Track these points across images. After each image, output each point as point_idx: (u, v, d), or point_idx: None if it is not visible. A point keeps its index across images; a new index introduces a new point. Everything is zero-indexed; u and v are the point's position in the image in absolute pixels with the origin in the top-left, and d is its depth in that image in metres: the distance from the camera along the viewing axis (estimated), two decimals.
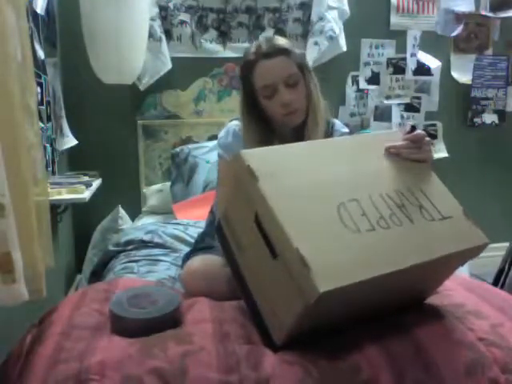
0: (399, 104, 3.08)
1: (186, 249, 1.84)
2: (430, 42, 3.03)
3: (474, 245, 1.03)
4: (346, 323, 1.04)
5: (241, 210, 1.05)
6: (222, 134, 1.54)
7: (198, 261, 1.41)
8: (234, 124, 1.53)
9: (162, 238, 2.09)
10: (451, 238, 1.01)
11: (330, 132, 1.55)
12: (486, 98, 3.19)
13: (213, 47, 2.82)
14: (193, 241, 1.86)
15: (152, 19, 2.64)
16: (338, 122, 1.60)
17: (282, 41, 1.41)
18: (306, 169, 1.03)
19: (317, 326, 1.01)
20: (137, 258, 1.91)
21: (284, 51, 1.37)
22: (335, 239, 0.92)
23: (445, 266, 1.09)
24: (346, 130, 1.60)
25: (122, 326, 1.04)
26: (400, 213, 1.01)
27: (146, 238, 2.09)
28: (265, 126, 1.45)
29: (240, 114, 1.48)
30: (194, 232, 2.02)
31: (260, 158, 1.01)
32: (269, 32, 2.84)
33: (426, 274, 1.06)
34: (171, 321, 1.07)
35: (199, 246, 1.59)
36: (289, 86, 1.37)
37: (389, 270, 0.91)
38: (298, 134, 1.44)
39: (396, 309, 1.11)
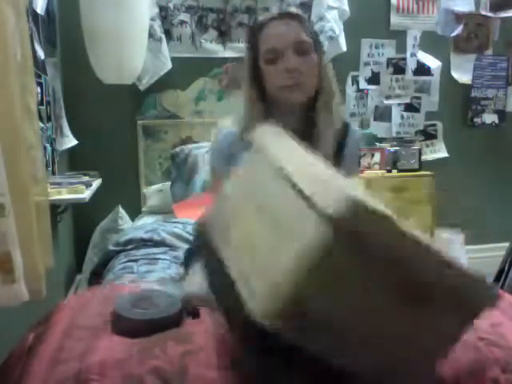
0: (399, 104, 3.08)
1: (185, 246, 1.84)
2: (430, 41, 3.03)
3: None
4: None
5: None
6: (213, 143, 1.41)
7: None
8: (225, 129, 1.35)
9: (161, 235, 2.09)
10: None
11: (345, 132, 1.36)
12: (486, 98, 3.19)
13: (213, 47, 2.82)
14: (192, 238, 1.86)
15: (152, 19, 2.64)
16: (352, 124, 1.42)
17: (297, 10, 1.28)
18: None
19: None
20: (136, 258, 1.91)
21: (297, 17, 1.21)
22: None
23: None
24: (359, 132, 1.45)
25: (127, 327, 1.04)
26: None
27: (146, 236, 2.09)
28: (264, 107, 1.25)
29: (244, 84, 1.27)
30: None
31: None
32: None
33: None
34: (174, 322, 1.07)
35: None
36: (298, 54, 1.18)
37: None
38: (307, 118, 1.24)
39: None
